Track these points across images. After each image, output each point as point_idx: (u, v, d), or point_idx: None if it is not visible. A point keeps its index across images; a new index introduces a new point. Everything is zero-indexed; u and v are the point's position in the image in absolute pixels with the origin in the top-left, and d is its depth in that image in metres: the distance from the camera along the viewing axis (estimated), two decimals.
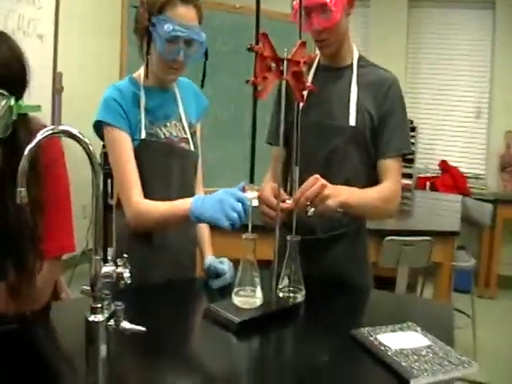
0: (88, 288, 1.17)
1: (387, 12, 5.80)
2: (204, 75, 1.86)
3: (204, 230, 1.95)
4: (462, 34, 5.72)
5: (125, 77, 1.87)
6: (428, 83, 5.88)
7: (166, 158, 1.80)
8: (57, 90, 3.94)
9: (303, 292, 1.60)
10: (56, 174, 1.48)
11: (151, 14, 1.67)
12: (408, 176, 4.92)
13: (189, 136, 1.87)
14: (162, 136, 1.80)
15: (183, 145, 1.85)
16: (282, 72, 1.56)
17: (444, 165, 5.61)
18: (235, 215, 1.47)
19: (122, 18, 3.54)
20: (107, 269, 1.18)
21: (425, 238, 3.10)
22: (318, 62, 1.97)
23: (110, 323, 1.14)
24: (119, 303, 1.15)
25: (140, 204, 1.69)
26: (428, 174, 5.65)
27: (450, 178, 5.45)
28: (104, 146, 1.77)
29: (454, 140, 5.81)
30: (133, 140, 1.75)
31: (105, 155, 2.33)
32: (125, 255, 1.20)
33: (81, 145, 1.19)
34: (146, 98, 1.79)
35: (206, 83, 1.90)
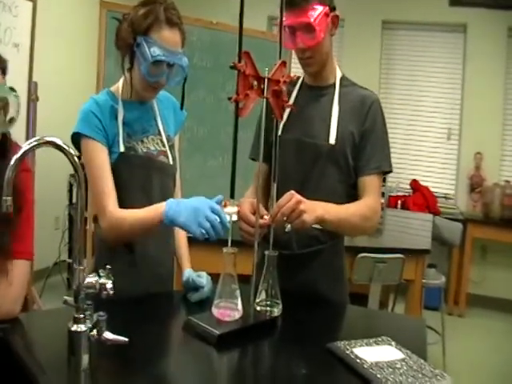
0: (70, 298, 1.18)
1: (361, 33, 5.90)
2: (183, 97, 1.88)
3: (182, 243, 1.96)
4: (434, 56, 5.83)
5: (102, 88, 1.86)
6: (400, 104, 5.97)
7: (145, 172, 1.81)
8: (32, 100, 3.91)
9: (280, 306, 1.60)
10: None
11: (136, 33, 1.67)
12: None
13: (167, 149, 1.88)
14: (140, 150, 1.80)
15: (162, 158, 1.86)
16: (262, 90, 1.58)
17: (415, 184, 5.70)
18: (208, 225, 1.49)
19: (100, 29, 3.54)
20: (90, 279, 1.19)
21: (397, 255, 3.14)
22: (302, 81, 2.01)
23: (92, 333, 1.16)
24: (102, 313, 1.16)
25: (116, 213, 1.68)
26: (399, 193, 5.73)
27: (420, 197, 5.53)
28: (80, 158, 1.78)
29: (425, 160, 5.91)
30: (111, 153, 1.75)
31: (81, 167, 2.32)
32: (108, 266, 1.21)
33: (66, 155, 1.21)
34: (125, 112, 1.78)
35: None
